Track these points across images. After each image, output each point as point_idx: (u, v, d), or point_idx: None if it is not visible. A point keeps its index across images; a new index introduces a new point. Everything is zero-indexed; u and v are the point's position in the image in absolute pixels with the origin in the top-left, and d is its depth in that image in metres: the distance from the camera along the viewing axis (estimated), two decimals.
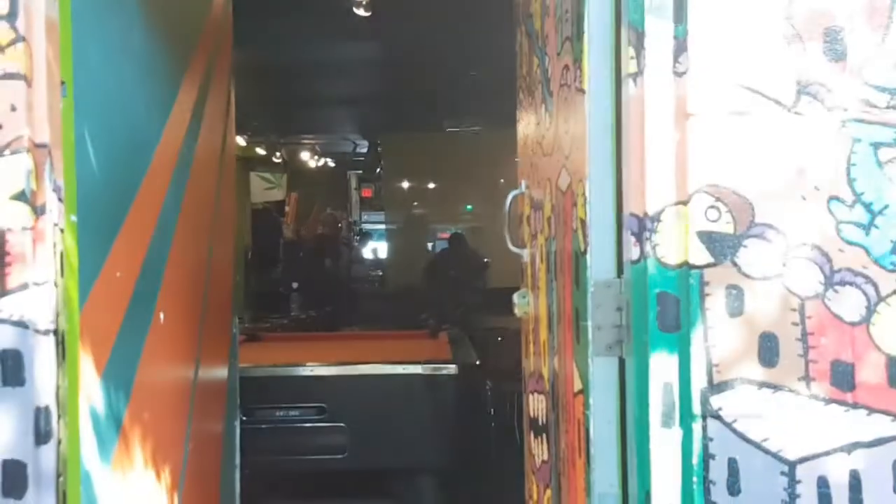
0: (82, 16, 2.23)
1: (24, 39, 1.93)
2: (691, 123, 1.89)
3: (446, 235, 11.88)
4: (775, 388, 1.87)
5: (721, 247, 1.88)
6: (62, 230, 2.03)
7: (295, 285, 10.51)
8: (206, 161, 3.60)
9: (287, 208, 13.96)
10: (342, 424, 5.15)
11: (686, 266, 1.89)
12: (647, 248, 1.91)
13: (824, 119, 1.89)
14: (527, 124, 2.99)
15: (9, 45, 1.92)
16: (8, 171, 1.90)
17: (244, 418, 4.37)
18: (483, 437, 5.99)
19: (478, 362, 5.76)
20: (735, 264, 1.88)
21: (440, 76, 8.00)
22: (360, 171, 15.64)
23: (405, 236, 13.63)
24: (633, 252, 1.95)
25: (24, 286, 1.91)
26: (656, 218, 1.91)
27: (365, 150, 13.21)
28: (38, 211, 1.94)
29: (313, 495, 5.59)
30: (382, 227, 16.04)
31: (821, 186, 1.89)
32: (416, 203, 15.78)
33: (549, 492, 2.64)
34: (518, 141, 3.14)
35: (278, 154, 12.80)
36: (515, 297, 2.98)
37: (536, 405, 2.84)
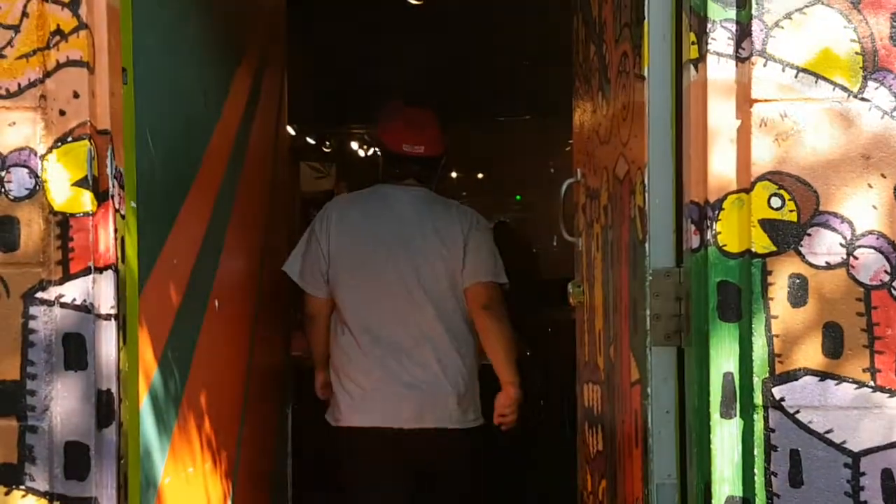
0: (141, 3, 2.25)
1: (86, 27, 1.95)
2: (755, 110, 1.86)
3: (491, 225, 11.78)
4: (839, 379, 1.84)
5: (784, 235, 1.85)
6: (123, 216, 2.05)
7: None
8: (261, 151, 3.61)
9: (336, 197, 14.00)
10: None
11: (748, 255, 1.86)
12: (708, 236, 1.89)
13: (891, 105, 1.86)
14: (583, 112, 2.96)
15: (71, 32, 1.94)
16: (71, 158, 1.93)
17: (295, 405, 4.39)
18: (533, 427, 5.96)
19: (528, 353, 5.73)
20: (799, 253, 1.85)
21: (491, 65, 7.97)
22: None
23: None
24: (693, 241, 1.93)
25: (87, 271, 1.93)
26: (717, 206, 1.88)
27: None
28: (101, 197, 1.97)
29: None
30: None
31: (887, 174, 1.85)
32: (464, 193, 15.71)
33: (604, 482, 2.62)
34: (573, 129, 3.11)
35: (327, 144, 12.85)
36: (570, 287, 2.96)
37: (591, 395, 2.82)
